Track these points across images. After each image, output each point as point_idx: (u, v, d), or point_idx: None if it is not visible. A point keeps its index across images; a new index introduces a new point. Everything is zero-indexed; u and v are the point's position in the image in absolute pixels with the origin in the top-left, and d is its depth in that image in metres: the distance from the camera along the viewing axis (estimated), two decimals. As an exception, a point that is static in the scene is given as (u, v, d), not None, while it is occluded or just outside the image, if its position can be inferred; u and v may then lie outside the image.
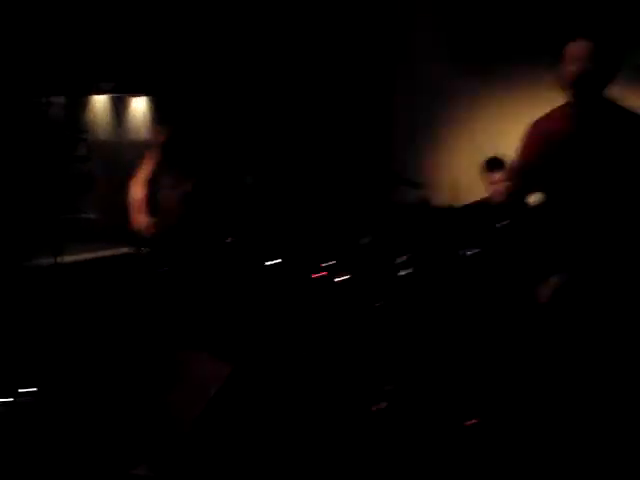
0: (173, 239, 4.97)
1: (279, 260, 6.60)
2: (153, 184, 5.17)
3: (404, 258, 5.44)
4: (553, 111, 3.85)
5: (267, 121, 4.96)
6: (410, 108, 7.23)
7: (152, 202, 5.14)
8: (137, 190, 5.18)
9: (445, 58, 6.99)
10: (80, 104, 6.75)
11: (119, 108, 7.20)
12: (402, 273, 5.43)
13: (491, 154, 6.06)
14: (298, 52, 7.22)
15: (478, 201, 6.17)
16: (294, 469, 3.82)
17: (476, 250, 5.20)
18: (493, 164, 5.99)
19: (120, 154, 6.96)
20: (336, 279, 5.72)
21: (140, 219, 5.10)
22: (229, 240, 5.15)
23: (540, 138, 3.87)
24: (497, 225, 5.26)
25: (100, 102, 6.95)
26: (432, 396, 4.84)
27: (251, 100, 7.23)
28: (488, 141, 6.42)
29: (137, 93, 7.31)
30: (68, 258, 4.88)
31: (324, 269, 6.47)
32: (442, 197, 6.11)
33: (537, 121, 3.92)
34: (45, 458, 4.26)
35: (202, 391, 3.85)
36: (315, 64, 7.32)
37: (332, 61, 7.27)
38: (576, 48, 3.62)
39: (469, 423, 4.59)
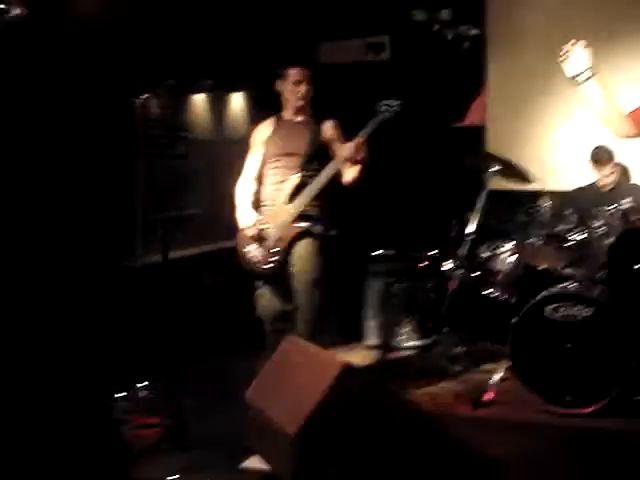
0: (279, 234, 4.98)
1: (383, 251, 6.62)
2: (258, 180, 5.19)
3: (507, 245, 5.37)
4: None
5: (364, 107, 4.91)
6: (505, 84, 7.08)
7: (257, 199, 5.17)
8: (242, 187, 5.22)
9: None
10: (179, 102, 6.84)
11: (218, 105, 7.28)
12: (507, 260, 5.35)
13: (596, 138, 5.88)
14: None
15: (584, 186, 6.03)
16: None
17: (583, 236, 5.08)
18: (599, 157, 5.83)
19: (220, 151, 7.05)
20: (441, 268, 5.69)
21: (245, 216, 5.14)
22: (334, 232, 5.14)
23: None
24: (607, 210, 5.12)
25: (199, 100, 7.04)
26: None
27: (346, 90, 7.23)
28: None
29: (236, 89, 7.40)
30: (175, 254, 4.98)
31: (428, 258, 6.44)
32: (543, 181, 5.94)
33: None
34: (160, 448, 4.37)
35: (318, 383, 3.85)
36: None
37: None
38: None
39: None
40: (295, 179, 4.90)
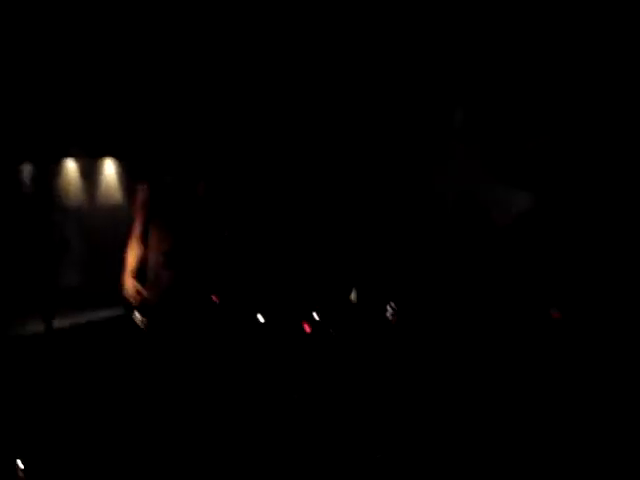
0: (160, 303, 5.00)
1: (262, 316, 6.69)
2: (141, 246, 5.21)
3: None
4: None
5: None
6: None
7: (141, 265, 5.17)
8: (127, 253, 5.24)
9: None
10: (50, 170, 6.80)
11: (91, 172, 7.24)
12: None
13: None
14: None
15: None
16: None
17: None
18: None
19: (93, 218, 7.00)
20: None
21: (128, 284, 5.14)
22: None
23: None
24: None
25: (71, 167, 7.01)
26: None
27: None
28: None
29: (107, 156, 7.39)
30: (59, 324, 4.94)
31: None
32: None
33: None
34: None
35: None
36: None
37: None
38: None
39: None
40: (168, 244, 4.94)
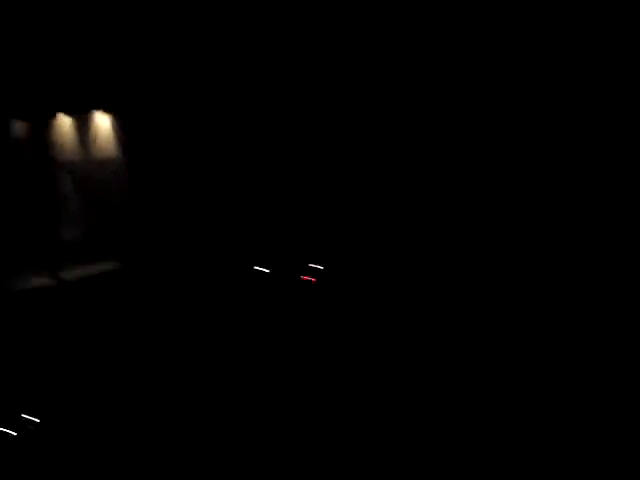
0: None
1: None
2: (136, 200, 5.37)
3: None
4: None
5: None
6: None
7: (137, 219, 5.34)
8: (125, 207, 5.40)
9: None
10: (46, 125, 6.89)
11: (84, 126, 7.31)
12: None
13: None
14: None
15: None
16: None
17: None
18: None
19: (88, 172, 7.10)
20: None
21: (126, 237, 5.31)
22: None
23: None
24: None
25: (66, 121, 7.10)
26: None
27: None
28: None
29: (102, 110, 7.48)
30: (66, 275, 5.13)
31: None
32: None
33: None
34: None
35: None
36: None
37: None
38: None
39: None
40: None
